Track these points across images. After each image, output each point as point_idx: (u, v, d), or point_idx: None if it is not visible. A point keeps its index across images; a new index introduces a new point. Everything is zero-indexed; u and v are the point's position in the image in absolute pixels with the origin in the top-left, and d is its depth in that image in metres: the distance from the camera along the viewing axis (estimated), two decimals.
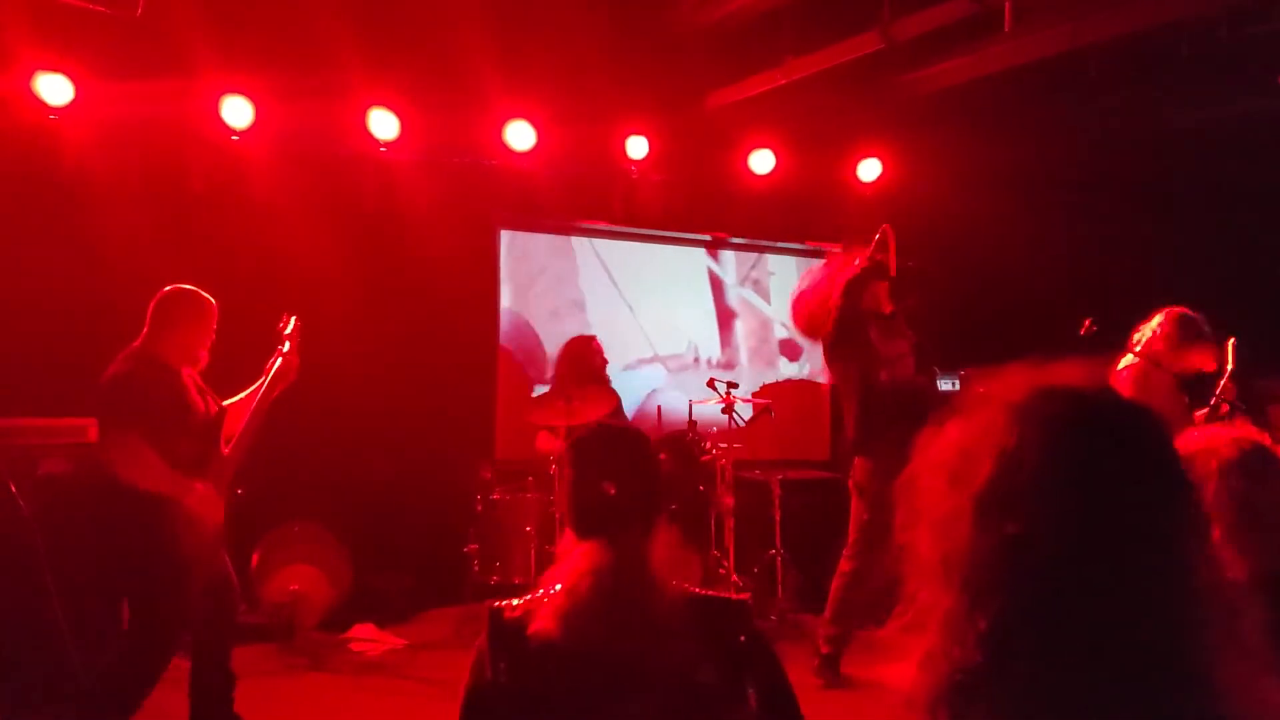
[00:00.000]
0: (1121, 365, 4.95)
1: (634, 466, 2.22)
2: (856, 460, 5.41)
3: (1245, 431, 1.95)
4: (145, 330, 4.15)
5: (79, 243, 6.27)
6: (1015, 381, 1.15)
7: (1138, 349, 4.94)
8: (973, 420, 1.15)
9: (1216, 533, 1.77)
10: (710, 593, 2.19)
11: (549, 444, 6.66)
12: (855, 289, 5.38)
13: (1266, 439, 1.92)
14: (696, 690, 2.03)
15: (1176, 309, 4.97)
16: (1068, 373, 1.16)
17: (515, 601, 2.14)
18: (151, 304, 4.18)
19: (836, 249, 8.87)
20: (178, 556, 3.93)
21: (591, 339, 7.21)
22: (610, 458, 2.23)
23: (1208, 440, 1.95)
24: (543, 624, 2.04)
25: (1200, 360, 4.89)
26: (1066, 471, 1.07)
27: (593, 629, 2.01)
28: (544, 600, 2.09)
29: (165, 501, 3.92)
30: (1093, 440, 1.09)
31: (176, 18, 5.97)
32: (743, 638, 2.09)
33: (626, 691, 2.01)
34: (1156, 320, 4.98)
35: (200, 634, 4.25)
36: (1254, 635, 1.11)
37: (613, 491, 2.16)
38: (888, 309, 5.49)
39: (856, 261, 5.49)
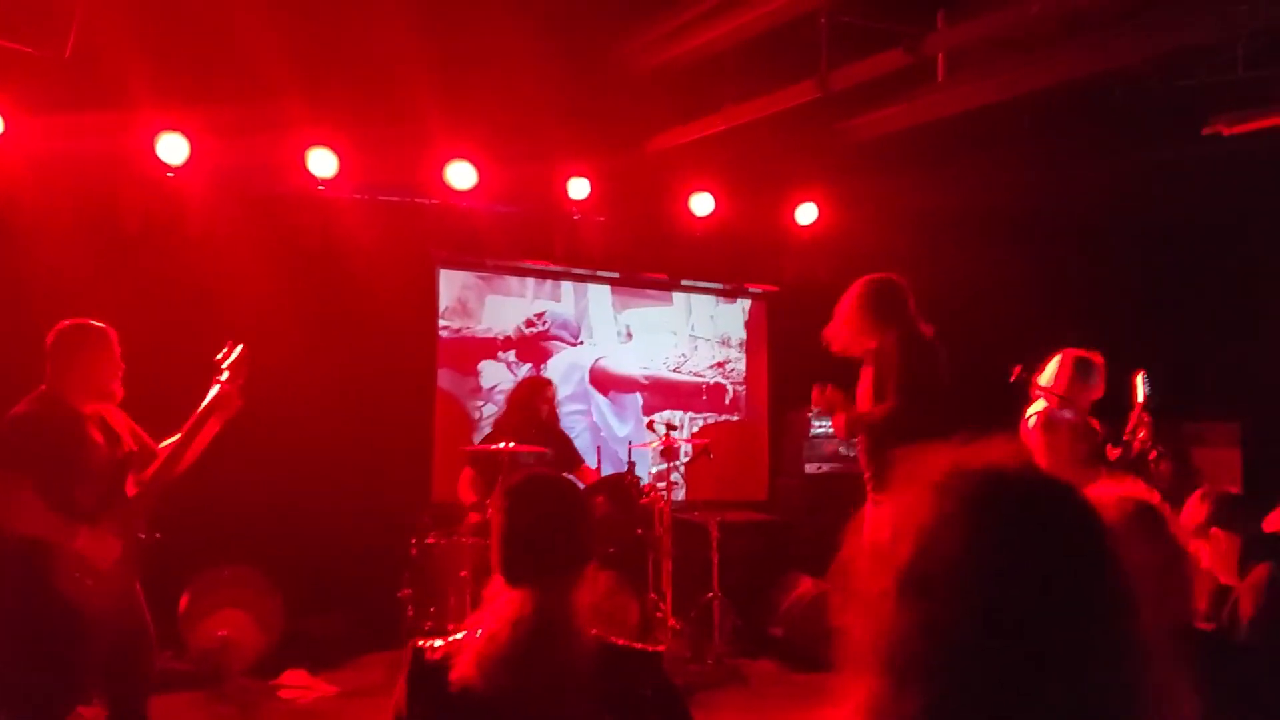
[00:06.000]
0: (1030, 411, 5.06)
1: (562, 516, 2.26)
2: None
3: (1132, 490, 1.93)
4: (47, 372, 4.01)
5: (6, 280, 6.13)
6: (942, 458, 1.14)
7: (1040, 394, 5.08)
8: (902, 499, 1.14)
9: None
10: (624, 643, 2.19)
11: (470, 496, 6.62)
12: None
13: (1154, 497, 1.90)
14: None
15: (1072, 350, 5.13)
16: (994, 449, 1.15)
17: (438, 643, 2.17)
18: (47, 343, 4.02)
19: (774, 289, 8.98)
20: (62, 605, 3.73)
21: (546, 384, 7.16)
22: (540, 507, 2.26)
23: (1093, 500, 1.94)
24: (462, 670, 2.06)
25: (1095, 394, 5.08)
26: (983, 550, 1.05)
27: (506, 678, 2.03)
28: (466, 645, 2.10)
29: (46, 547, 3.74)
30: (1010, 518, 1.08)
31: (111, 52, 5.87)
32: (649, 691, 2.10)
33: None
34: (1054, 363, 5.12)
35: (113, 685, 4.05)
36: (1186, 701, 1.11)
37: (540, 542, 2.20)
38: None
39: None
